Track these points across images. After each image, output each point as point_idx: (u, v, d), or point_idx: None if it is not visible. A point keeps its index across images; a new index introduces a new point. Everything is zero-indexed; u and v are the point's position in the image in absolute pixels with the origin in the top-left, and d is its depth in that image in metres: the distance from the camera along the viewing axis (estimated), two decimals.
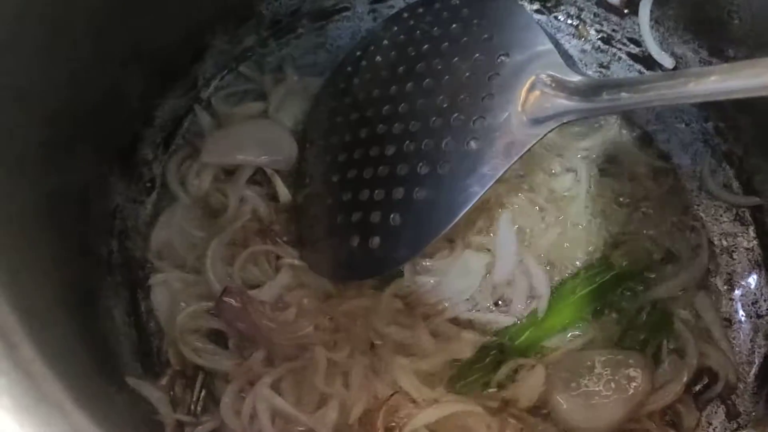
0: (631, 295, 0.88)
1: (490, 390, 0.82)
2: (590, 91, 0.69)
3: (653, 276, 0.88)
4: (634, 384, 0.80)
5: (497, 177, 0.72)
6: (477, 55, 0.78)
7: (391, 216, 0.77)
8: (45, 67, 0.67)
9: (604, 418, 0.79)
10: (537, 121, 0.72)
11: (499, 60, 0.76)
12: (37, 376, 0.42)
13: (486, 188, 0.73)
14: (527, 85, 0.73)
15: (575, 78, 0.71)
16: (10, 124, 0.63)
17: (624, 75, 0.98)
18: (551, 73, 0.73)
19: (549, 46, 0.75)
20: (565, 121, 0.71)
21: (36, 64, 0.66)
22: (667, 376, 0.83)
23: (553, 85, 0.72)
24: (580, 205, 0.91)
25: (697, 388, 0.84)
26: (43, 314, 0.56)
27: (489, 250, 0.88)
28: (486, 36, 0.79)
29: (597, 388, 0.80)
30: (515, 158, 0.72)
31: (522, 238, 0.89)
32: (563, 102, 0.70)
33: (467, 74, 0.78)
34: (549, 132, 0.71)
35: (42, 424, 0.39)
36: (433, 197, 0.75)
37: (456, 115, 0.76)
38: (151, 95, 0.91)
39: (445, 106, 0.77)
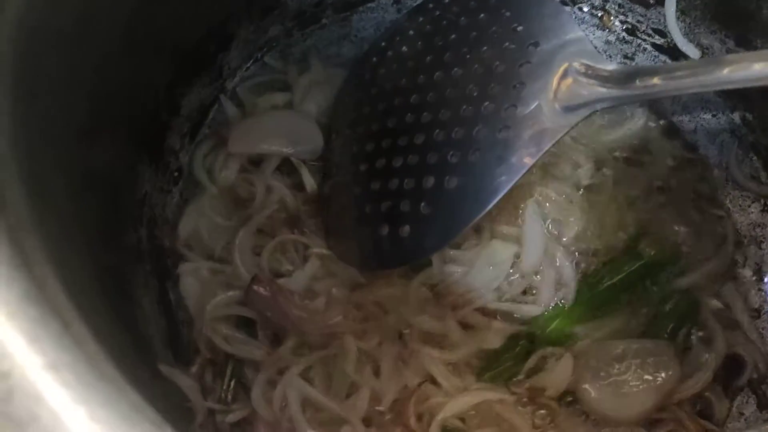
0: (659, 285, 0.87)
1: (519, 379, 0.82)
2: (624, 78, 0.69)
3: (680, 265, 0.88)
4: (663, 373, 0.80)
5: (529, 166, 0.72)
6: (506, 44, 0.78)
7: (422, 205, 0.76)
8: (75, 55, 0.67)
9: (634, 407, 0.79)
10: (569, 109, 0.71)
11: (529, 48, 0.76)
12: (93, 355, 0.42)
13: (518, 177, 0.72)
14: (560, 73, 0.73)
15: (610, 66, 0.71)
16: (46, 112, 0.63)
17: None
18: (584, 61, 0.72)
19: (580, 33, 0.75)
20: (598, 108, 0.70)
21: (66, 53, 0.66)
22: (695, 364, 0.83)
23: (587, 72, 0.71)
24: (606, 195, 0.91)
25: (727, 377, 0.84)
26: (84, 296, 0.56)
27: (516, 240, 0.88)
28: (515, 25, 0.79)
29: (626, 377, 0.80)
30: (547, 147, 0.72)
31: (549, 228, 0.89)
32: (597, 89, 0.70)
33: (497, 63, 0.77)
34: (581, 120, 0.71)
35: (105, 401, 0.39)
36: (464, 186, 0.74)
37: (487, 103, 0.75)
38: (178, 85, 0.91)
39: (475, 94, 0.77)
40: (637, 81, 0.67)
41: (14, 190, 0.50)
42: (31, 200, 0.53)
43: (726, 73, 0.61)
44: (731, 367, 0.84)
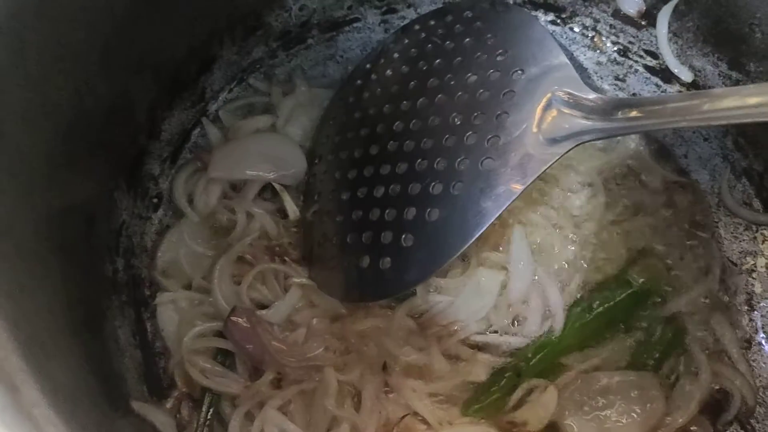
0: (647, 313, 0.86)
1: (505, 412, 0.81)
2: (608, 110, 0.68)
3: (669, 293, 0.87)
4: (647, 407, 0.79)
5: (513, 199, 0.70)
6: (491, 71, 0.77)
7: (403, 236, 0.75)
8: (50, 82, 0.66)
9: None
10: (554, 141, 0.70)
11: (513, 76, 0.75)
12: (40, 421, 0.40)
13: (501, 209, 0.71)
14: (543, 102, 0.72)
15: (592, 95, 0.70)
16: (19, 140, 0.62)
17: (641, 88, 0.97)
18: (567, 89, 0.71)
19: (564, 59, 0.74)
20: (583, 141, 0.69)
21: (41, 80, 0.64)
22: (680, 396, 0.82)
23: (570, 102, 0.70)
24: (596, 221, 0.90)
25: (714, 410, 0.82)
26: (47, 342, 0.55)
27: (503, 268, 0.86)
28: (500, 51, 0.78)
29: (610, 412, 0.79)
30: (531, 179, 0.70)
31: (537, 255, 0.88)
32: (580, 121, 0.69)
33: (480, 91, 0.76)
34: (567, 152, 0.69)
35: None
36: (446, 218, 0.73)
37: (470, 133, 0.74)
38: (158, 108, 0.90)
39: (458, 123, 0.76)
40: (620, 113, 0.66)
41: None
42: None
43: (711, 108, 0.60)
44: (718, 400, 0.83)
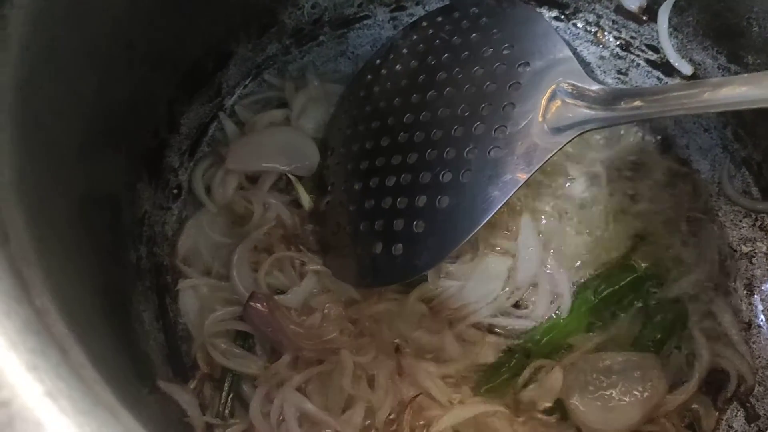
0: (649, 296, 0.89)
1: (514, 392, 0.84)
2: (610, 100, 0.71)
3: (671, 277, 0.90)
4: (649, 386, 0.82)
5: (519, 185, 0.73)
6: (497, 64, 0.80)
7: (414, 223, 0.78)
8: (78, 77, 0.69)
9: (622, 420, 0.81)
10: (558, 130, 0.73)
11: (519, 69, 0.78)
12: (89, 381, 0.44)
13: (508, 196, 0.74)
14: (548, 94, 0.74)
15: (595, 86, 0.72)
16: (53, 131, 0.65)
17: (642, 82, 0.99)
18: (571, 81, 0.74)
19: (568, 53, 0.77)
20: (586, 129, 0.72)
21: (71, 74, 0.68)
22: (681, 376, 0.85)
23: (574, 93, 0.73)
24: (600, 208, 0.93)
25: (715, 389, 0.86)
26: (84, 319, 0.58)
27: (511, 254, 0.89)
28: (506, 45, 0.81)
29: (613, 391, 0.82)
30: (536, 167, 0.73)
31: (544, 241, 0.91)
32: (584, 111, 0.72)
33: (487, 83, 0.79)
34: (570, 141, 0.72)
35: (101, 426, 0.41)
36: (456, 205, 0.76)
37: (477, 124, 0.77)
38: (177, 103, 0.94)
39: (466, 114, 0.78)
40: (622, 103, 0.69)
41: (16, 220, 0.52)
42: (33, 229, 0.55)
43: (709, 96, 0.63)
44: (718, 379, 0.86)
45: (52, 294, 0.49)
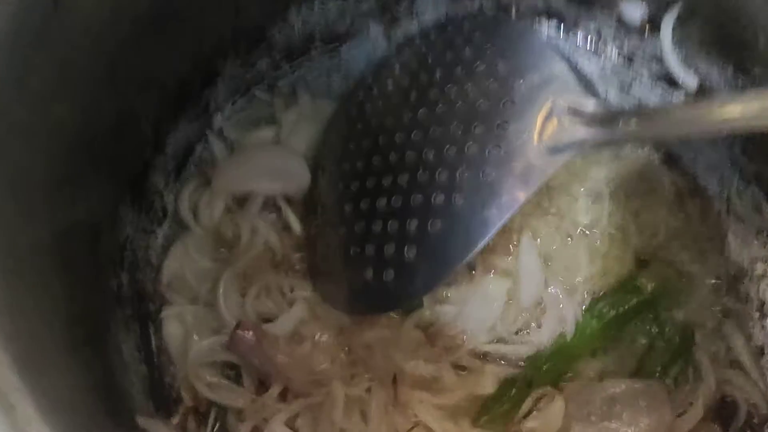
0: (655, 320, 0.86)
1: (514, 423, 0.81)
2: (609, 119, 0.68)
3: (678, 299, 0.86)
4: (654, 416, 0.78)
5: (516, 208, 0.70)
6: (491, 80, 0.77)
7: (405, 248, 0.75)
8: (53, 100, 0.66)
9: None
10: (555, 149, 0.70)
11: (512, 85, 0.75)
12: None
13: (504, 219, 0.71)
14: (543, 111, 0.72)
15: (592, 105, 0.69)
16: (19, 159, 0.62)
17: (646, 95, 0.95)
18: (567, 98, 0.71)
19: (564, 68, 0.74)
20: (585, 150, 0.69)
21: (43, 98, 0.65)
22: (686, 403, 0.82)
23: (571, 111, 0.70)
24: (604, 228, 0.89)
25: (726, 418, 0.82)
26: (46, 359, 0.55)
27: (510, 276, 0.86)
28: (499, 61, 0.78)
29: (617, 421, 0.78)
30: (534, 188, 0.70)
31: (546, 263, 0.87)
32: (582, 130, 0.69)
33: (480, 101, 0.76)
34: (568, 161, 0.69)
35: None
36: (449, 229, 0.73)
37: (470, 143, 0.74)
38: (162, 121, 0.90)
39: (459, 134, 0.76)
40: (621, 122, 0.66)
41: None
42: None
43: (716, 117, 0.59)
44: (729, 408, 0.82)
45: (7, 341, 0.46)
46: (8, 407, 0.40)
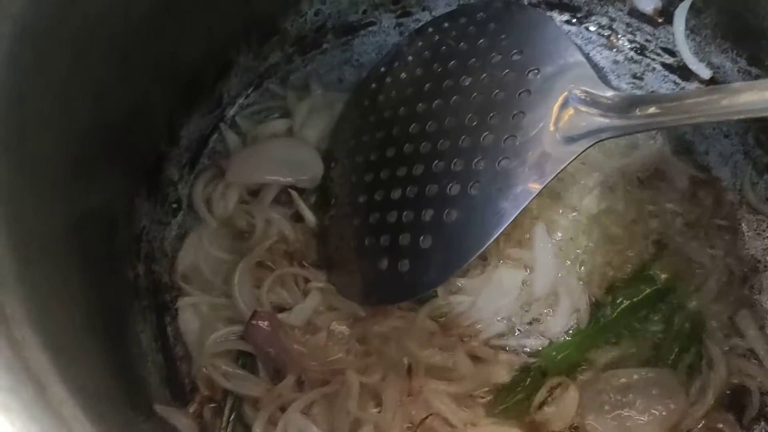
0: (669, 309, 0.85)
1: (529, 412, 0.81)
2: (625, 107, 0.67)
3: (691, 289, 0.86)
4: (667, 404, 0.79)
5: (531, 198, 0.70)
6: (506, 71, 0.76)
7: (421, 238, 0.75)
8: (70, 90, 0.66)
9: None
10: (571, 139, 0.70)
11: (528, 76, 0.75)
12: (68, 419, 0.41)
13: (519, 209, 0.71)
14: (559, 101, 0.71)
15: (609, 93, 0.69)
16: (38, 149, 0.62)
17: (658, 86, 0.96)
18: (584, 87, 0.71)
19: (580, 58, 0.74)
20: (601, 139, 0.68)
21: (61, 89, 0.65)
22: (697, 391, 0.81)
23: (587, 100, 0.70)
24: (618, 218, 0.89)
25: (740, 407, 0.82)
26: (72, 346, 0.56)
27: (525, 267, 0.86)
28: (515, 51, 0.77)
29: (631, 411, 0.79)
30: (549, 178, 0.70)
31: (560, 253, 0.87)
32: (598, 119, 0.68)
33: (496, 91, 0.76)
34: (585, 150, 0.69)
35: None
36: (464, 219, 0.73)
37: (486, 133, 0.74)
38: (176, 114, 0.91)
39: (474, 124, 0.75)
40: (638, 110, 0.65)
41: None
42: (19, 251, 0.52)
43: (728, 103, 0.59)
44: (743, 397, 0.82)
45: (35, 324, 0.46)
46: (41, 386, 0.41)
